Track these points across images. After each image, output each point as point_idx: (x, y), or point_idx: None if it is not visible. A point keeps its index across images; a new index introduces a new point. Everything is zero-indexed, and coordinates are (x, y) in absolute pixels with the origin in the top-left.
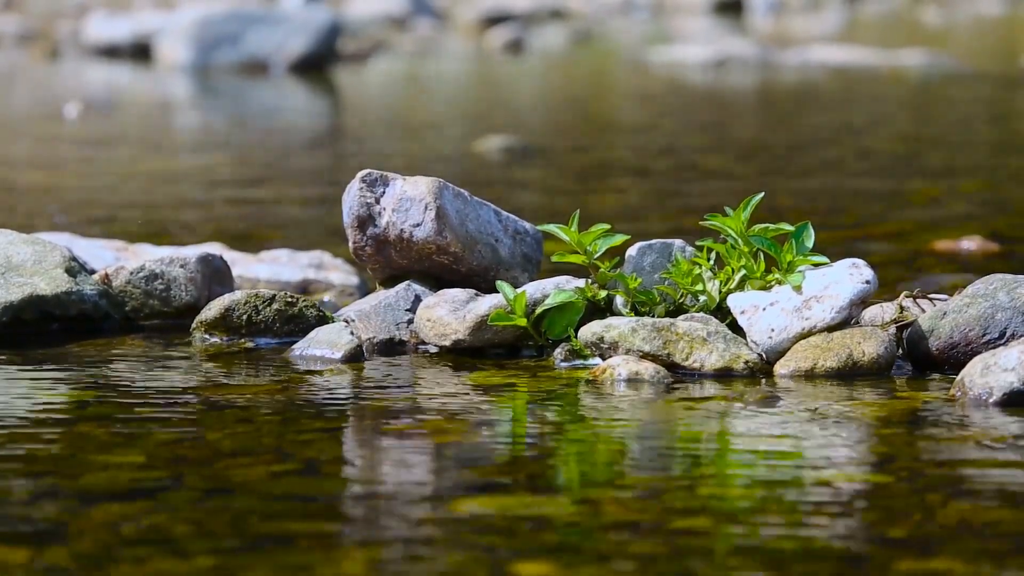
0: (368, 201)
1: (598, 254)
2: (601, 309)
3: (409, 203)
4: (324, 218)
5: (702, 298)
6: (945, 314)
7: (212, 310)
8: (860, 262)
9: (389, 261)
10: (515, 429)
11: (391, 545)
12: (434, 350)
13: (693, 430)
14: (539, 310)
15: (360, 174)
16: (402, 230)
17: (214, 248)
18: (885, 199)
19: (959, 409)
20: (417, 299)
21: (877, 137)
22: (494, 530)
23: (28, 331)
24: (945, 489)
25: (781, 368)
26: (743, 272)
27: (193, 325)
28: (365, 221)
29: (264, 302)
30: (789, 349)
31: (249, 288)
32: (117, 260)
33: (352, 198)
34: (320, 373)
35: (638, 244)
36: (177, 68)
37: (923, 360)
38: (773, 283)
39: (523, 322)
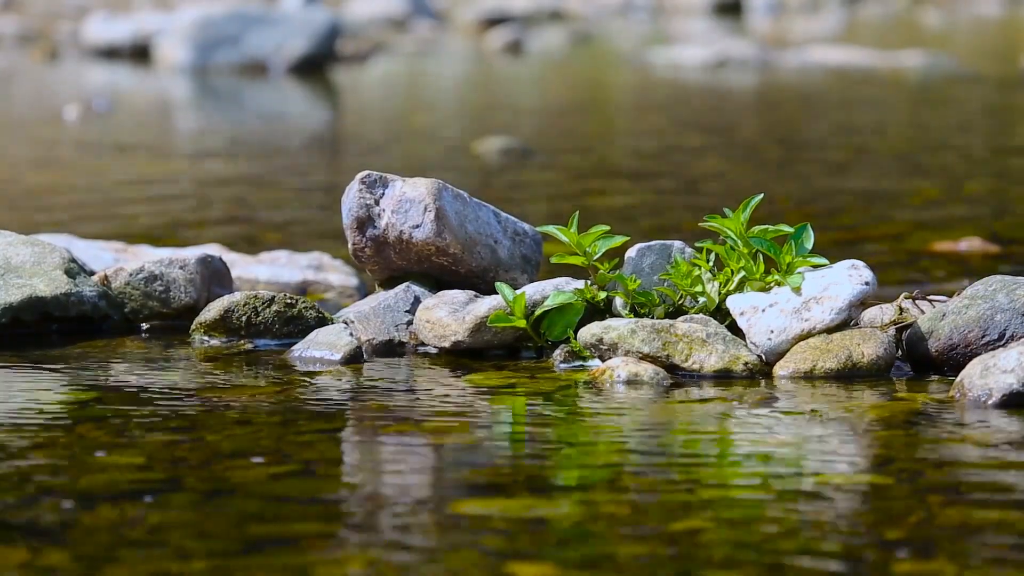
0: (367, 202)
1: (597, 255)
2: (600, 310)
3: (408, 204)
4: (323, 219)
5: (701, 299)
6: (944, 315)
7: (211, 311)
8: (859, 263)
9: (388, 262)
10: (514, 430)
11: (391, 546)
12: (433, 351)
13: (692, 431)
14: (538, 311)
15: (359, 175)
16: (401, 231)
17: (213, 249)
18: (885, 200)
19: (958, 410)
20: (416, 300)
21: (876, 138)
22: (494, 531)
23: (27, 332)
24: (944, 490)
25: (780, 369)
26: (742, 273)
27: (192, 326)
28: (364, 222)
29: (263, 303)
30: (788, 350)
31: (248, 289)
32: (116, 261)
33: (351, 199)
34: (319, 374)
35: (637, 245)
36: (176, 69)
37: (922, 361)
38: (772, 284)
39: (522, 323)
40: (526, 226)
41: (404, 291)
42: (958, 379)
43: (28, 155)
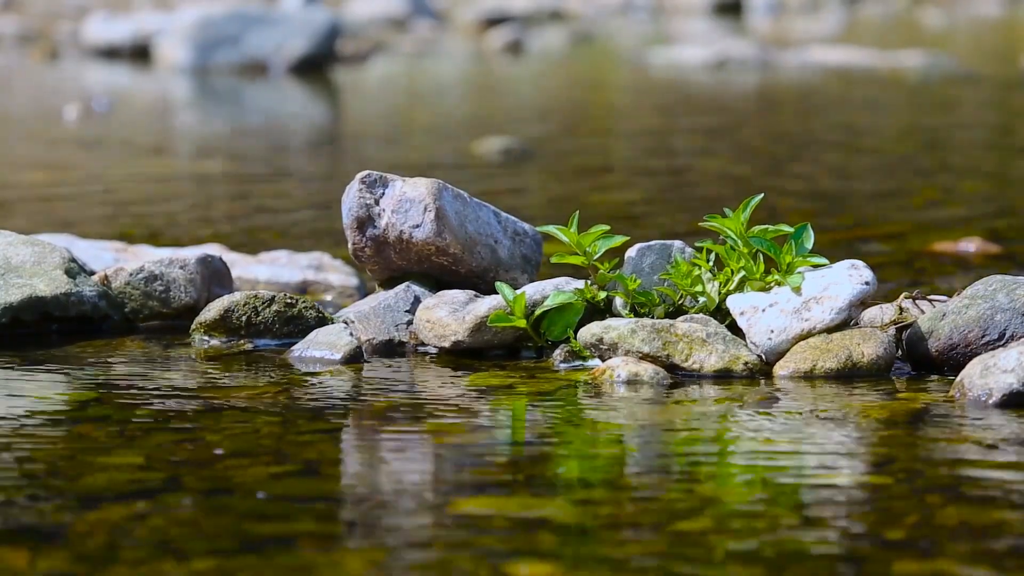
0: (367, 202)
1: (597, 255)
2: (600, 310)
3: (408, 204)
4: (323, 219)
5: (701, 299)
6: (944, 315)
7: (211, 311)
8: (859, 263)
9: (388, 262)
10: (514, 430)
11: (391, 546)
12: (433, 351)
13: (692, 431)
14: (538, 311)
15: (359, 175)
16: (401, 231)
17: (213, 249)
18: (885, 200)
19: (958, 410)
20: (416, 300)
21: (877, 138)
22: (494, 530)
23: (27, 332)
24: (944, 490)
25: (780, 369)
26: (742, 273)
27: (192, 326)
28: (364, 222)
29: (263, 303)
30: (788, 350)
31: (248, 289)
32: (116, 261)
33: (351, 199)
34: (319, 374)
35: (637, 245)
36: (176, 69)
37: (922, 361)
38: (772, 284)
39: (522, 323)
40: (526, 226)
41: (404, 291)
42: (958, 379)
43: (28, 155)
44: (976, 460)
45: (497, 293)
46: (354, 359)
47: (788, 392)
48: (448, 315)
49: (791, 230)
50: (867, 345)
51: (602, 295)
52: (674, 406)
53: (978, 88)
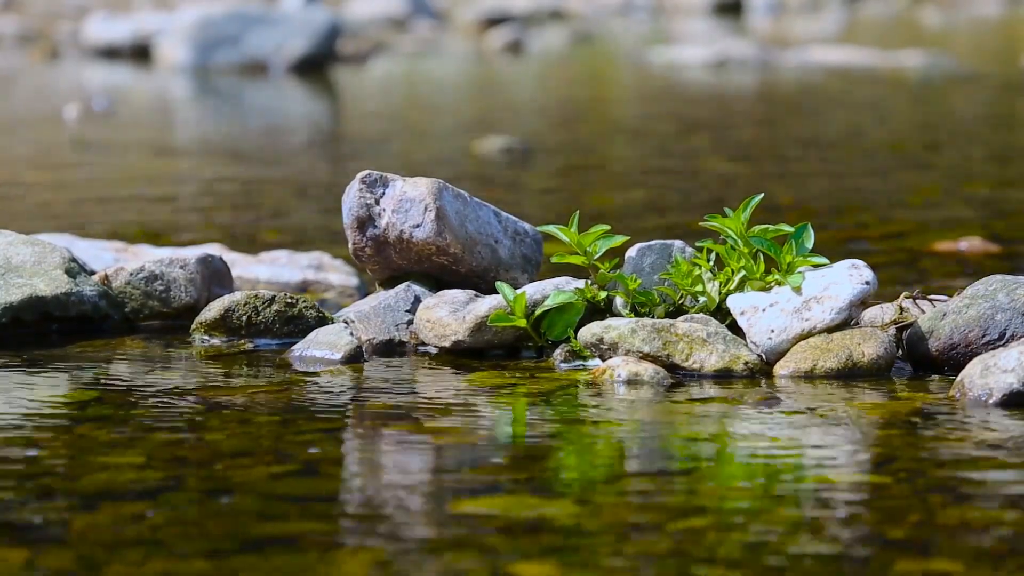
0: (368, 202)
1: (598, 255)
2: (601, 310)
3: (409, 204)
4: (324, 219)
5: (702, 299)
6: (945, 315)
7: (212, 311)
8: (860, 263)
9: (389, 262)
10: (515, 430)
11: (391, 546)
12: (434, 351)
13: (692, 431)
14: (539, 311)
15: (360, 175)
16: (402, 231)
17: (213, 249)
18: (885, 199)
19: (959, 410)
20: (417, 300)
21: (877, 138)
22: (494, 531)
23: (28, 332)
24: (945, 490)
25: (781, 369)
26: (743, 273)
27: (193, 326)
28: (365, 222)
29: (264, 303)
30: (789, 350)
31: (249, 289)
32: (117, 261)
33: (352, 199)
34: (320, 374)
35: (638, 245)
36: (177, 69)
37: (923, 361)
38: (773, 284)
39: (523, 323)
40: (526, 226)
41: (404, 291)
42: (958, 379)
43: (28, 155)
44: (976, 460)
45: (497, 293)
46: (354, 359)
47: (788, 392)
48: (448, 315)
49: (791, 230)
50: (867, 345)
51: (602, 295)
52: (674, 406)
53: (978, 88)
